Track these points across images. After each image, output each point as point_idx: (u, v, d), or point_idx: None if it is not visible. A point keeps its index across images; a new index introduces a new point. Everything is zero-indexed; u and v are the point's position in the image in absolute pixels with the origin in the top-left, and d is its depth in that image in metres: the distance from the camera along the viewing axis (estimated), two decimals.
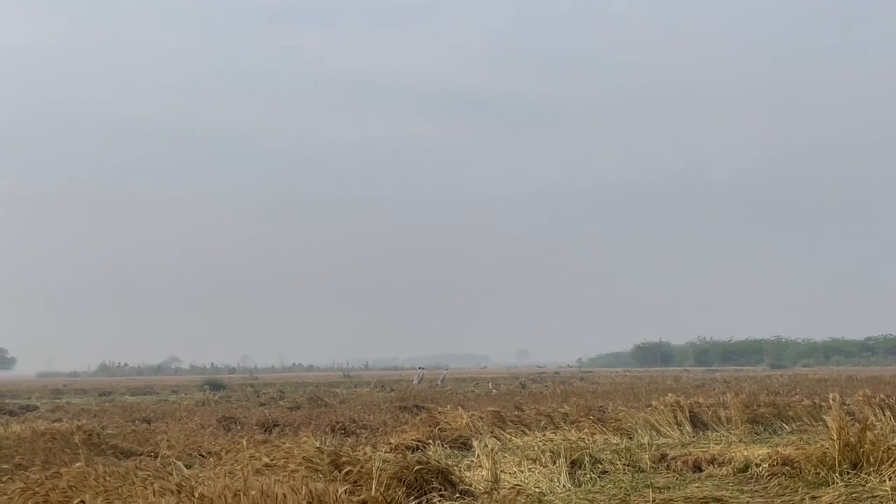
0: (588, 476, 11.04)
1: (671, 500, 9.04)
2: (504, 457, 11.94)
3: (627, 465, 11.65)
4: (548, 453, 11.43)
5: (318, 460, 9.91)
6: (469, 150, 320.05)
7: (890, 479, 9.40)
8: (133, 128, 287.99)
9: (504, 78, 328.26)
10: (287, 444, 11.46)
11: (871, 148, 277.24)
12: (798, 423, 17.07)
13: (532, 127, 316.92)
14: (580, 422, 16.32)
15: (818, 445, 10.71)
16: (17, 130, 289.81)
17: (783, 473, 10.34)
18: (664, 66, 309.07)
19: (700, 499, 9.10)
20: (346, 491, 8.07)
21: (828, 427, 10.95)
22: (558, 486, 10.41)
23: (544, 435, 15.36)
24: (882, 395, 18.52)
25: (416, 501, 8.87)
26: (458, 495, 9.34)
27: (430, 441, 14.74)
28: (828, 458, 10.25)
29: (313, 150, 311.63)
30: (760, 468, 10.74)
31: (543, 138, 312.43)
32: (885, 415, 16.95)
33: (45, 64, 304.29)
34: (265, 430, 17.88)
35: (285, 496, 7.46)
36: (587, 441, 14.63)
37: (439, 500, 8.88)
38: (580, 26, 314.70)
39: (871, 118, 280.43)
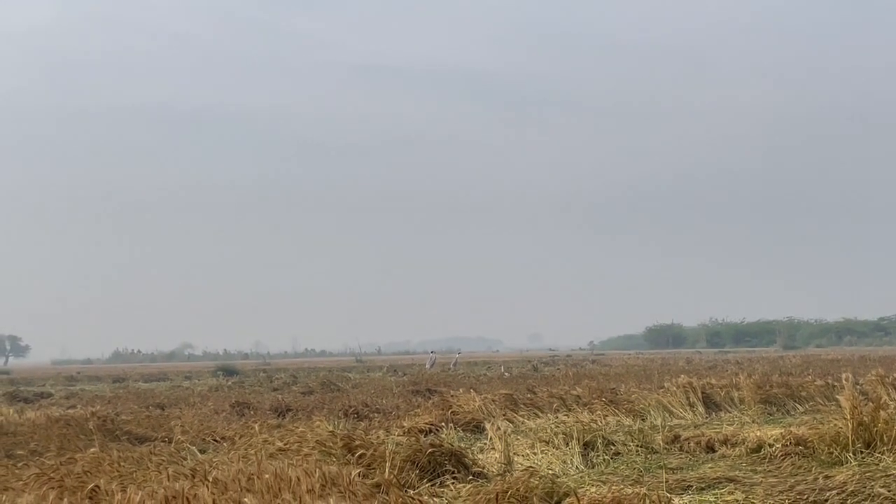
0: (601, 458, 11.04)
1: (684, 480, 9.04)
2: (517, 439, 11.96)
3: (640, 447, 11.64)
4: (560, 435, 11.44)
5: (331, 444, 9.95)
6: (480, 133, 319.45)
7: None
8: (142, 113, 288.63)
9: (519, 61, 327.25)
10: (300, 429, 11.51)
11: (884, 127, 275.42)
12: (811, 404, 17.02)
13: (541, 108, 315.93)
14: (593, 404, 16.31)
15: (831, 425, 10.68)
16: (26, 116, 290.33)
17: (796, 453, 10.33)
18: (678, 53, 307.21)
19: (713, 479, 9.09)
20: (359, 474, 8.10)
21: (841, 407, 10.92)
22: (571, 468, 10.43)
23: (557, 417, 15.38)
24: (895, 375, 18.47)
25: (430, 483, 8.90)
26: (471, 477, 9.35)
27: (443, 424, 14.77)
28: (841, 438, 10.23)
29: (324, 134, 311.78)
30: (773, 448, 10.73)
31: (552, 120, 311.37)
32: None
33: (54, 48, 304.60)
34: (278, 415, 17.94)
35: (299, 479, 7.49)
36: (600, 423, 14.64)
37: (452, 483, 8.89)
38: (591, 11, 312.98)
39: (886, 96, 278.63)
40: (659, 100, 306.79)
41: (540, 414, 15.99)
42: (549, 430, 12.33)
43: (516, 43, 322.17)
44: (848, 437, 10.16)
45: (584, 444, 11.19)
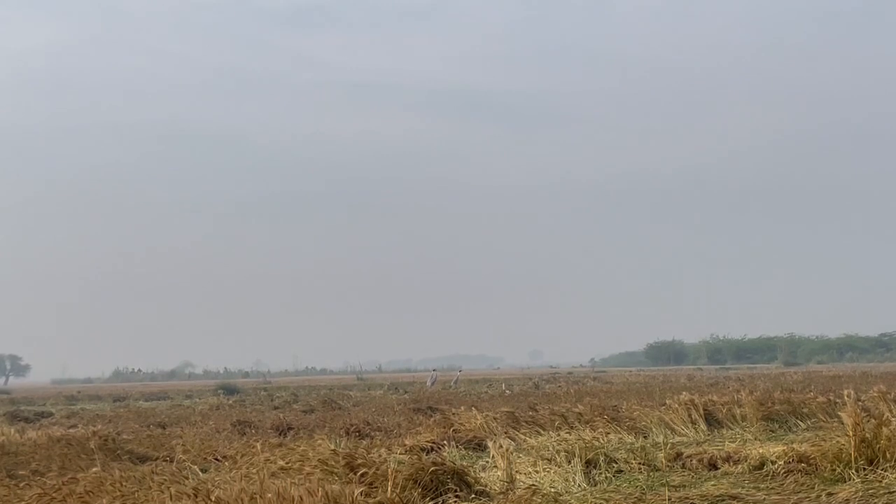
0: (603, 475, 11.03)
1: (687, 498, 9.03)
2: (519, 457, 11.93)
3: (643, 464, 11.62)
4: (563, 453, 11.42)
5: (333, 462, 9.93)
6: (479, 149, 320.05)
7: None
8: (141, 131, 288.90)
9: (510, 76, 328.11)
10: (302, 447, 11.50)
11: (884, 139, 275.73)
12: (813, 420, 17.01)
13: (541, 124, 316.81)
14: (594, 421, 16.29)
15: (834, 442, 10.68)
16: (27, 135, 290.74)
17: (799, 470, 10.31)
18: (671, 62, 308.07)
19: (716, 497, 9.07)
20: (361, 493, 8.09)
21: (843, 423, 10.91)
22: (574, 486, 10.40)
23: (559, 435, 15.36)
24: None
25: (432, 502, 8.89)
26: (473, 496, 9.34)
27: (445, 442, 14.75)
28: (843, 455, 10.22)
29: (322, 151, 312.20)
30: (776, 465, 10.71)
31: (552, 136, 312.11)
32: None
33: (52, 68, 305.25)
34: (280, 434, 17.90)
35: (301, 498, 7.49)
36: (602, 440, 14.62)
37: (455, 501, 8.89)
38: (585, 23, 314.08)
39: (882, 108, 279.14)
40: (658, 116, 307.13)
41: (542, 431, 15.96)
42: (551, 448, 12.31)
43: (510, 59, 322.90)
44: (850, 454, 10.15)
45: (586, 462, 11.17)
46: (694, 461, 11.71)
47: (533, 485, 9.86)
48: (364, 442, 15.81)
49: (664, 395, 22.87)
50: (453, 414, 17.99)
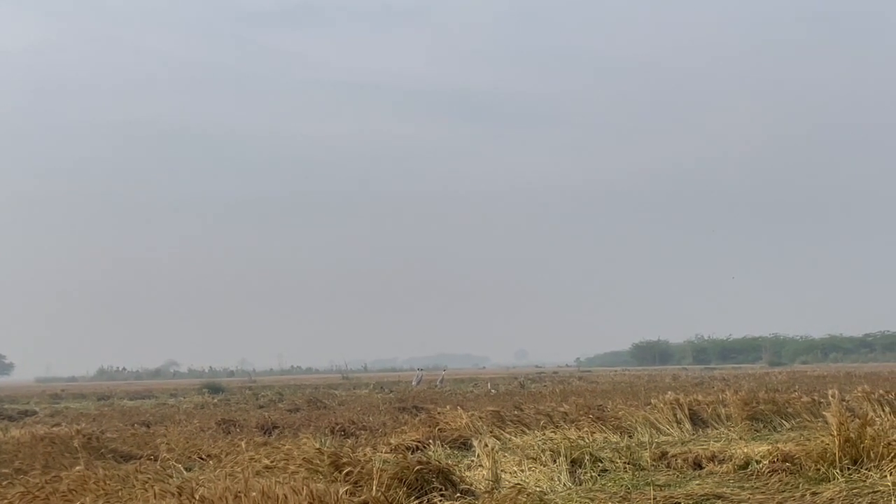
0: (588, 475, 11.03)
1: (672, 497, 9.04)
2: (504, 456, 11.92)
3: (628, 464, 11.63)
4: (548, 452, 11.43)
5: (318, 461, 9.91)
6: (464, 149, 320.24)
7: (891, 475, 9.39)
8: (126, 130, 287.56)
9: (497, 76, 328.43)
10: (287, 446, 11.47)
11: (871, 143, 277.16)
12: (798, 420, 17.07)
13: (527, 126, 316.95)
14: (580, 421, 16.31)
15: (818, 441, 10.70)
16: (10, 134, 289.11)
17: (784, 470, 10.34)
18: (661, 64, 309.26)
19: (701, 496, 9.09)
20: (346, 491, 8.06)
21: (827, 423, 10.94)
22: (559, 485, 10.41)
23: (544, 434, 15.36)
24: (881, 391, 18.51)
25: (417, 501, 8.86)
26: (458, 495, 9.33)
27: (430, 441, 14.74)
28: (828, 454, 10.25)
29: (308, 151, 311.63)
30: (761, 465, 10.73)
31: (539, 137, 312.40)
32: (884, 410, 16.94)
33: (37, 67, 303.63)
34: (264, 433, 17.87)
35: (286, 497, 7.46)
36: (587, 440, 14.62)
37: (440, 500, 8.87)
38: (574, 24, 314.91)
39: (870, 114, 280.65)
40: (644, 117, 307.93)
41: (527, 431, 15.97)
42: (536, 447, 12.31)
43: (498, 60, 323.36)
44: (835, 454, 10.18)
45: (571, 461, 11.18)
46: (679, 460, 11.73)
47: (518, 484, 9.85)
48: (349, 441, 15.79)
49: (649, 395, 22.93)
50: (439, 413, 17.98)
